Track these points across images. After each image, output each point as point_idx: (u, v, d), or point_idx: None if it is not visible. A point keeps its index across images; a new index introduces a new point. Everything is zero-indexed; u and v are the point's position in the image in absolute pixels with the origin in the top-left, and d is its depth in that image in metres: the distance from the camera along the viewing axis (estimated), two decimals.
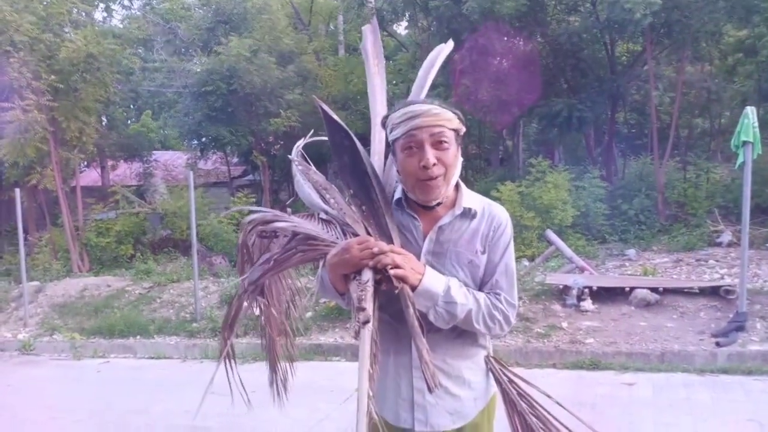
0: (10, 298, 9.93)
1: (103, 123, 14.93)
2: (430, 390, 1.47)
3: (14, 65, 10.47)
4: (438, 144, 1.64)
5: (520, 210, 9.60)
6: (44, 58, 11.11)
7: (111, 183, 15.81)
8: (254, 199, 13.25)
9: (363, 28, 2.11)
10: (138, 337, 7.95)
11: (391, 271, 1.54)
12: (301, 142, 2.11)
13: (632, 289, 6.92)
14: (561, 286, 7.19)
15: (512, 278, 1.78)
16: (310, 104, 13.23)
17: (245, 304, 1.90)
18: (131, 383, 6.32)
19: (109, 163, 16.04)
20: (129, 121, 19.76)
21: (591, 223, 10.39)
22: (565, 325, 6.57)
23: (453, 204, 1.75)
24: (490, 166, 15.57)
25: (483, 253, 1.75)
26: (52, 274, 10.92)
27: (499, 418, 1.87)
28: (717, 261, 8.47)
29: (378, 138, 1.92)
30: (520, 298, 6.65)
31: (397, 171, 1.74)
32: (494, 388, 1.85)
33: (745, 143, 6.02)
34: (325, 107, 1.65)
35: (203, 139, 14.49)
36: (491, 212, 1.78)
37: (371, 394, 1.42)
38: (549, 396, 1.78)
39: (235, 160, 16.67)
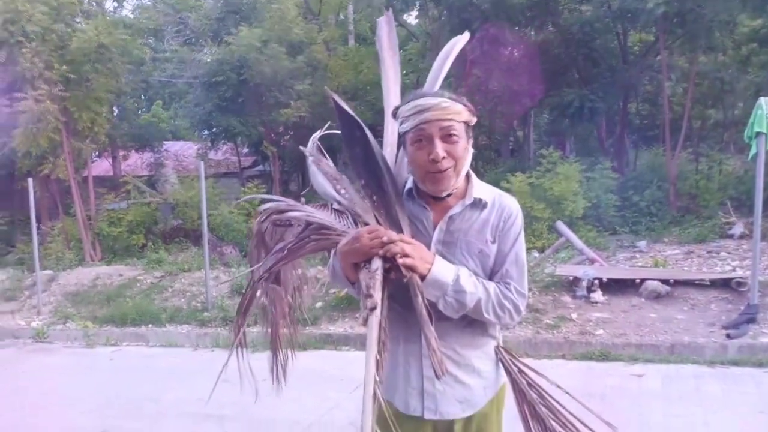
0: (24, 287, 10.04)
1: (115, 113, 14.99)
2: (437, 376, 1.49)
3: (27, 55, 10.53)
4: (447, 137, 1.64)
5: (531, 201, 9.56)
6: (56, 49, 11.16)
7: (122, 173, 15.87)
8: (264, 190, 13.28)
9: (378, 19, 2.11)
10: (150, 325, 8.02)
11: (400, 260, 1.56)
12: (316, 135, 2.13)
13: (643, 280, 6.90)
14: (571, 278, 7.18)
15: (522, 268, 1.78)
16: (320, 95, 13.21)
17: (258, 292, 1.93)
18: (143, 371, 6.39)
19: (121, 153, 16.10)
20: (140, 112, 19.81)
21: (602, 215, 10.35)
22: (574, 316, 6.57)
23: (464, 194, 1.76)
24: (500, 157, 15.48)
25: (493, 243, 1.75)
26: (65, 263, 11.03)
27: (508, 408, 1.88)
28: (729, 253, 8.42)
29: (390, 130, 1.92)
30: (530, 290, 6.62)
31: (408, 162, 1.76)
32: (504, 378, 1.86)
33: (758, 134, 5.97)
34: (338, 98, 1.66)
35: (214, 130, 14.52)
36: (502, 203, 1.78)
37: (378, 378, 1.43)
38: (558, 386, 1.79)
39: (246, 150, 16.68)
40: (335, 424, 4.45)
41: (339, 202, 1.83)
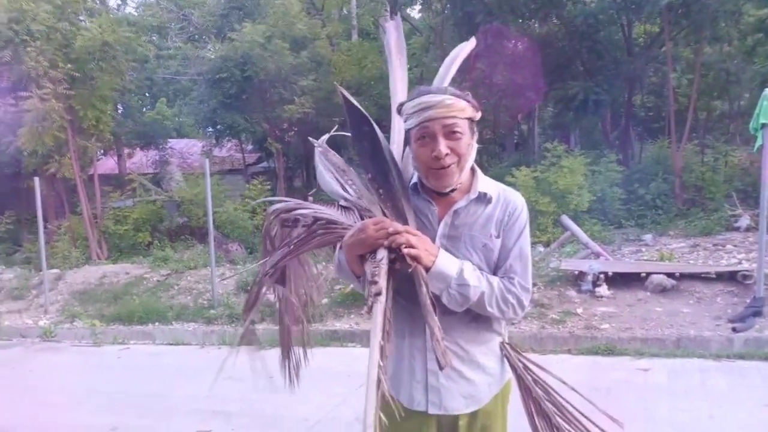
0: (31, 286, 10.10)
1: (119, 111, 15.01)
2: (440, 367, 1.49)
3: (31, 54, 10.56)
4: (450, 134, 1.66)
5: (536, 195, 9.53)
6: (60, 47, 11.18)
7: (128, 171, 15.91)
8: (269, 186, 13.27)
9: (386, 24, 2.14)
10: (156, 323, 8.06)
11: (405, 250, 1.57)
12: (326, 136, 2.15)
13: (648, 274, 6.88)
14: (576, 272, 7.17)
15: (526, 262, 1.79)
16: (324, 90, 13.20)
17: (265, 288, 1.94)
18: (151, 369, 6.43)
19: (126, 151, 16.13)
20: (144, 109, 19.86)
21: (607, 208, 10.31)
22: (580, 310, 6.56)
23: (468, 189, 1.77)
24: (504, 151, 15.45)
25: (497, 237, 1.76)
26: (72, 262, 11.08)
27: (513, 404, 1.88)
28: (735, 246, 8.37)
29: (398, 128, 1.94)
30: (534, 284, 6.66)
31: (412, 158, 1.77)
32: (509, 374, 1.87)
33: (763, 126, 5.93)
34: (346, 94, 1.68)
35: (218, 127, 14.55)
36: (506, 197, 1.80)
37: (381, 364, 1.44)
38: (564, 382, 1.80)
39: (250, 147, 16.69)
40: (342, 420, 4.46)
41: (346, 199, 1.85)
